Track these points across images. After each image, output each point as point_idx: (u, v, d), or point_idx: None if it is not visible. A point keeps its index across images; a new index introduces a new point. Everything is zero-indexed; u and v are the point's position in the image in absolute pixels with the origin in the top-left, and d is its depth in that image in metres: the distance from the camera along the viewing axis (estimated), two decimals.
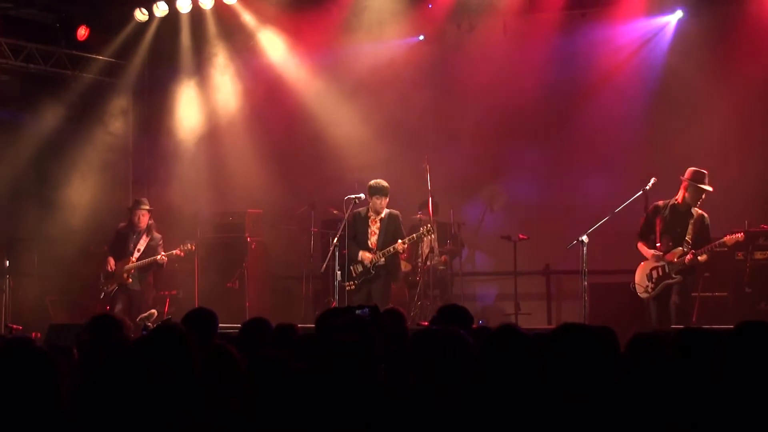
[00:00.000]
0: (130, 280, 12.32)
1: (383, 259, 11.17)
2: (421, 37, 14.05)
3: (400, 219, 11.43)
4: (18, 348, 4.01)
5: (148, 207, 12.60)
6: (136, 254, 12.37)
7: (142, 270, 12.42)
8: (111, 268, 12.37)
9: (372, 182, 11.23)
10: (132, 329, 6.14)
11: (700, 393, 3.74)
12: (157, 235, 12.56)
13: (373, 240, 11.29)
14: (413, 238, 11.28)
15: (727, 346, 4.05)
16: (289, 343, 5.68)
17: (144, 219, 12.50)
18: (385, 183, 11.21)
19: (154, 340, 4.56)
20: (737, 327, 4.27)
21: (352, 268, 11.19)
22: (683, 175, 10.25)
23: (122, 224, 12.71)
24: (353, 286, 11.16)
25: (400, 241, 11.09)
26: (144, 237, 12.47)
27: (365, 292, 11.17)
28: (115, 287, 12.34)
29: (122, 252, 12.46)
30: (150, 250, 12.42)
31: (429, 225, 11.40)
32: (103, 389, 3.02)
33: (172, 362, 3.68)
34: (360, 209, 11.37)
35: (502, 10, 13.25)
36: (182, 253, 12.49)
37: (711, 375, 3.92)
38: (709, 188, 10.14)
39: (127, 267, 12.31)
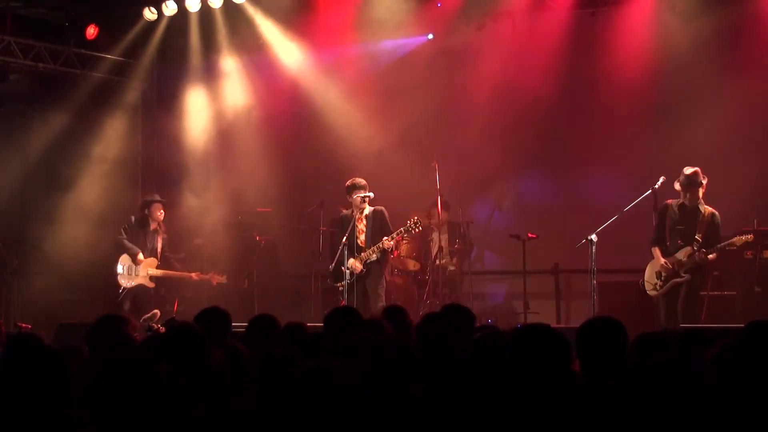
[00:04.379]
0: (153, 284, 12.45)
1: (374, 256, 11.19)
2: (430, 36, 14.03)
3: (386, 213, 11.39)
4: (27, 345, 3.98)
5: (162, 200, 12.80)
6: (157, 255, 12.53)
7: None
8: (140, 261, 12.43)
9: (347, 182, 11.37)
10: (138, 329, 6.15)
11: (704, 393, 3.74)
12: (165, 236, 12.67)
13: (361, 238, 11.33)
14: (401, 231, 11.18)
15: (735, 346, 4.05)
16: (298, 341, 5.68)
17: (162, 213, 12.68)
18: (357, 179, 11.29)
19: (169, 339, 4.55)
20: (746, 326, 4.27)
21: (343, 268, 11.22)
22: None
23: (135, 217, 12.78)
24: (344, 286, 11.17)
25: (386, 238, 11.08)
26: (158, 236, 12.54)
27: (360, 289, 11.20)
28: (134, 285, 12.40)
29: (141, 248, 12.54)
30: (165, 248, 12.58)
31: (416, 218, 11.22)
32: (116, 389, 3.02)
33: (187, 361, 3.68)
34: (345, 212, 11.43)
35: (512, 9, 13.25)
36: (214, 282, 12.91)
37: (718, 375, 3.92)
38: (696, 179, 10.15)
39: (151, 272, 12.40)
